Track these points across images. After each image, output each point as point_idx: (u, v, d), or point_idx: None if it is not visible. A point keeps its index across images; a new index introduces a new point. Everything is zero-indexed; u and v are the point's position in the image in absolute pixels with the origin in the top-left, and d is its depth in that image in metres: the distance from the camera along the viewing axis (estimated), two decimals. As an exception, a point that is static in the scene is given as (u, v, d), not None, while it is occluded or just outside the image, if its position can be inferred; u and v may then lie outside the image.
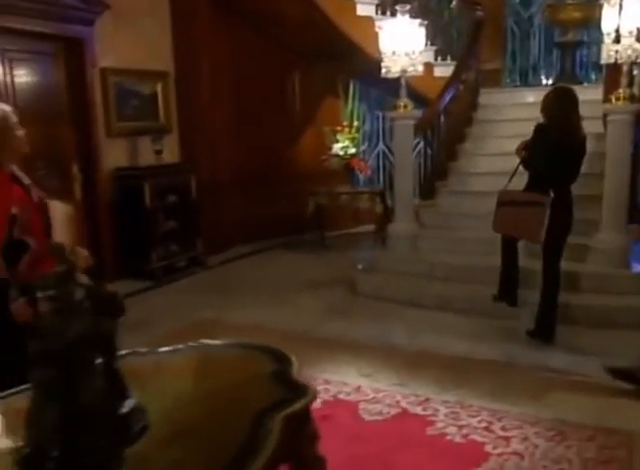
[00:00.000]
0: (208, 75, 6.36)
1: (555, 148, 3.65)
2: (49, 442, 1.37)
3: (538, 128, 3.79)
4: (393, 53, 4.91)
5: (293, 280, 5.47)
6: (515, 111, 5.96)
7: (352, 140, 6.20)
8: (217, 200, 6.40)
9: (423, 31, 4.93)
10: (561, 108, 3.72)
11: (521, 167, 3.93)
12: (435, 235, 5.14)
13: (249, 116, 6.75)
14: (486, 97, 6.46)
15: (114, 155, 5.54)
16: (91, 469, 1.37)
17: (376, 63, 6.21)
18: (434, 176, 5.55)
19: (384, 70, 4.96)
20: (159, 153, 5.71)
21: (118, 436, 1.43)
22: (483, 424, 2.90)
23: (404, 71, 4.92)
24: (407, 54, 4.89)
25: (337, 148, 6.20)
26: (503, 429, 2.85)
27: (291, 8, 6.06)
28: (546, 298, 3.83)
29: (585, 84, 6.86)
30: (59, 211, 3.31)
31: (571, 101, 3.74)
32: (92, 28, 5.22)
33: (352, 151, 6.19)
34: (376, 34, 6.25)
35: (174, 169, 5.85)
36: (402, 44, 4.88)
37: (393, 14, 6.40)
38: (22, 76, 4.87)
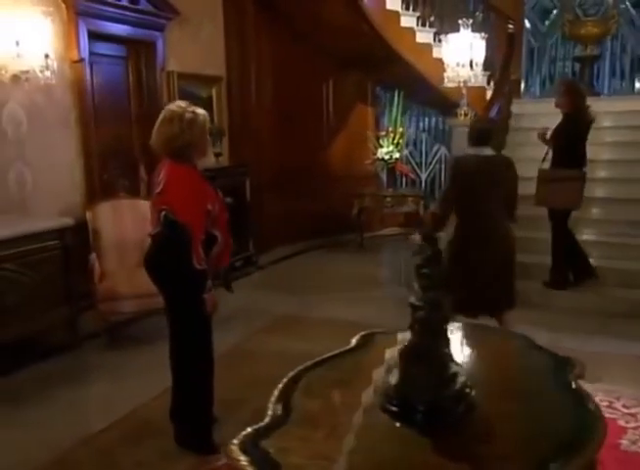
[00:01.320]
0: (255, 80, 6.55)
1: (583, 132, 4.60)
2: (417, 398, 1.59)
3: (569, 118, 4.60)
4: (457, 64, 5.24)
5: (353, 278, 5.70)
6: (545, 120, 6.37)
7: (396, 145, 6.48)
8: (262, 201, 6.58)
9: (484, 44, 5.26)
10: (583, 100, 4.63)
11: None
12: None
13: (288, 119, 6.95)
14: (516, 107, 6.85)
15: (176, 156, 5.66)
16: (452, 424, 1.60)
17: (415, 71, 6.59)
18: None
19: (445, 80, 5.27)
20: (218, 155, 5.86)
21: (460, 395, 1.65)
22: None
23: (465, 82, 5.24)
24: (468, 65, 5.23)
25: (381, 152, 6.47)
26: None
27: (338, 16, 6.31)
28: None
29: (602, 96, 7.37)
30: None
31: (584, 94, 4.76)
32: (162, 33, 5.36)
33: (397, 155, 6.47)
34: (417, 44, 6.63)
35: (232, 172, 6.00)
36: (465, 56, 5.20)
37: (432, 25, 6.81)
38: (100, 78, 4.96)
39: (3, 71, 4.01)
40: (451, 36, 5.24)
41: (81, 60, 4.58)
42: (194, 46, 5.77)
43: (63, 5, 4.42)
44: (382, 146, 6.55)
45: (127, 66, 5.28)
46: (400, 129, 6.64)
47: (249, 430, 1.73)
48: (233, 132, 6.40)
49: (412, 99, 7.23)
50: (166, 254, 2.80)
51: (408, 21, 6.59)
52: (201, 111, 2.82)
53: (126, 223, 4.57)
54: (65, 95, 4.55)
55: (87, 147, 4.76)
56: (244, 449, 1.61)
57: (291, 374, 2.03)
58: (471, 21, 5.22)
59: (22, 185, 4.30)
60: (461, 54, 5.18)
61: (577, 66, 7.67)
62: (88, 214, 4.43)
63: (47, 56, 4.10)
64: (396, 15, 6.51)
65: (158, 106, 5.41)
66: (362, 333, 2.42)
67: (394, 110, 6.78)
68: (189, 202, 2.73)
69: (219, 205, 2.82)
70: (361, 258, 6.54)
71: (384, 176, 7.11)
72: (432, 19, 6.81)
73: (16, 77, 4.10)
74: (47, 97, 4.41)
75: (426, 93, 6.69)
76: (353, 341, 2.35)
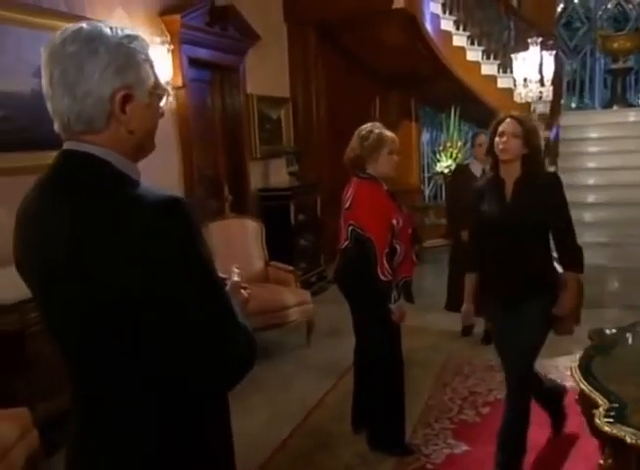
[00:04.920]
0: (315, 101, 6.75)
1: None
2: None
3: None
4: (525, 80, 5.51)
5: (431, 287, 5.88)
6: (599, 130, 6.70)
7: (455, 159, 6.73)
8: (324, 216, 6.74)
9: (552, 61, 5.55)
10: None
11: None
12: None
13: (340, 137, 7.14)
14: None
15: (254, 176, 5.82)
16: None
17: (465, 88, 6.86)
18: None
19: (516, 96, 5.54)
20: (292, 174, 6.03)
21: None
22: None
23: (533, 98, 5.51)
24: (537, 81, 5.50)
25: (440, 166, 6.71)
26: None
27: (395, 38, 6.56)
28: None
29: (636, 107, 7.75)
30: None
31: None
32: (244, 58, 5.54)
33: (455, 169, 6.71)
34: (467, 62, 6.92)
35: (304, 189, 6.16)
36: (534, 73, 5.48)
37: (480, 43, 7.10)
38: (191, 102, 5.10)
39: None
40: (521, 55, 5.50)
41: (183, 86, 4.73)
42: (265, 70, 5.96)
43: (168, 34, 4.57)
44: (439, 160, 6.79)
45: (212, 90, 5.43)
46: (459, 143, 6.89)
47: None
48: (300, 152, 6.57)
49: (466, 116, 7.51)
50: (354, 266, 2.96)
51: (459, 40, 6.88)
52: (377, 130, 2.99)
53: (235, 242, 4.70)
54: (169, 120, 4.69)
55: (188, 169, 4.90)
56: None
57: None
58: (540, 38, 5.49)
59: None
60: (530, 71, 5.45)
61: (610, 78, 8.04)
62: (200, 235, 4.54)
63: (168, 83, 4.25)
64: (449, 35, 6.80)
65: (240, 127, 5.61)
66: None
67: (451, 125, 7.03)
68: (374, 217, 2.90)
69: (403, 219, 2.97)
70: (419, 269, 6.71)
71: (426, 191, 7.33)
72: (468, 29, 7.12)
73: (134, 104, 4.23)
74: (157, 122, 4.54)
75: (478, 110, 6.95)
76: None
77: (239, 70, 5.50)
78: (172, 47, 4.34)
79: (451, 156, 6.73)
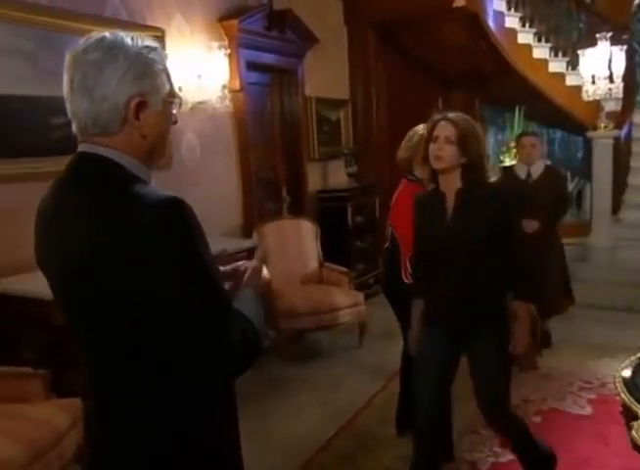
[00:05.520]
0: (375, 102, 6.73)
1: None
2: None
3: None
4: (593, 77, 5.28)
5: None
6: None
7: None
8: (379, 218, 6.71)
9: (623, 56, 5.29)
10: None
11: None
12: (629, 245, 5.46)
13: (401, 138, 7.07)
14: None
15: (312, 177, 5.86)
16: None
17: (531, 86, 6.64)
18: (617, 192, 5.88)
19: (584, 94, 5.32)
20: (351, 176, 6.03)
21: None
22: None
23: (601, 95, 5.27)
24: (606, 78, 5.26)
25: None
26: None
27: (457, 37, 6.45)
28: None
29: None
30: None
31: None
32: (303, 60, 5.60)
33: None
34: (533, 60, 6.70)
35: (362, 191, 6.15)
36: (603, 69, 5.24)
37: (548, 40, 6.87)
38: (250, 105, 5.19)
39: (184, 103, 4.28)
40: (588, 51, 5.28)
41: (241, 89, 4.82)
42: (324, 72, 5.99)
43: (226, 38, 4.68)
44: (502, 161, 6.61)
45: (271, 93, 5.52)
46: (522, 144, 6.66)
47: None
48: (359, 153, 6.57)
49: (532, 115, 7.29)
50: (386, 267, 2.95)
51: (525, 37, 6.68)
52: (422, 131, 2.95)
53: (290, 243, 4.76)
54: (228, 123, 4.80)
55: (245, 171, 4.99)
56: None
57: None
58: (610, 33, 5.25)
59: (196, 208, 4.50)
60: (599, 68, 5.22)
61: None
62: (255, 235, 4.63)
63: (224, 87, 4.35)
64: (513, 32, 6.61)
65: (298, 129, 5.66)
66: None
67: (515, 125, 6.84)
68: (403, 219, 2.85)
69: None
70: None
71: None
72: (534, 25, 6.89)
73: (193, 108, 4.36)
74: (215, 125, 4.66)
75: (545, 109, 6.73)
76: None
77: (297, 72, 5.56)
78: (229, 51, 4.43)
79: (519, 157, 6.52)
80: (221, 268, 1.40)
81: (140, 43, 1.17)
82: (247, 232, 4.85)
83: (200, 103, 4.33)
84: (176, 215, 1.07)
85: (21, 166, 2.99)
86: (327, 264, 4.85)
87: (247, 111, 4.97)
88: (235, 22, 4.62)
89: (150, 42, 1.20)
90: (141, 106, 1.14)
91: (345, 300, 4.41)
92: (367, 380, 3.94)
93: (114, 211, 1.08)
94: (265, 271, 1.25)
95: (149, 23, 4.03)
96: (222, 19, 4.63)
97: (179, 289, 1.06)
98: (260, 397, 3.75)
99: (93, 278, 1.09)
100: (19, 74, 3.19)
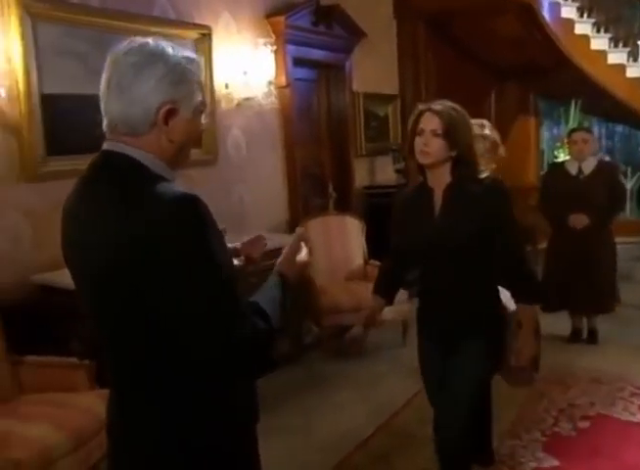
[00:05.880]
0: (425, 96, 6.63)
1: None
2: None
3: None
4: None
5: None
6: None
7: (574, 155, 6.30)
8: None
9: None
10: None
11: None
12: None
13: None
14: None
15: (359, 173, 5.83)
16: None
17: (591, 81, 6.39)
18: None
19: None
20: (399, 172, 5.96)
21: None
22: None
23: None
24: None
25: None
26: None
27: (511, 29, 6.28)
28: None
29: None
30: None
31: None
32: (350, 55, 5.56)
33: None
34: (591, 51, 6.45)
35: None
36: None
37: (607, 31, 6.60)
38: (296, 101, 5.20)
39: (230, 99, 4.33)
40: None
41: (288, 85, 4.84)
42: (373, 66, 5.94)
43: (273, 35, 4.70)
44: (556, 157, 6.41)
45: (318, 88, 5.52)
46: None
47: None
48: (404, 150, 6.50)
49: (590, 109, 7.04)
50: None
51: (583, 27, 6.44)
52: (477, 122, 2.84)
53: (335, 239, 4.75)
54: (274, 119, 4.82)
55: (291, 167, 5.01)
56: None
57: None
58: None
59: (241, 204, 4.58)
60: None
61: None
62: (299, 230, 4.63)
63: (270, 83, 4.38)
64: (570, 22, 6.39)
65: (345, 125, 5.63)
66: None
67: (571, 119, 6.62)
68: None
69: None
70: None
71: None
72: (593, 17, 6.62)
73: (239, 104, 4.40)
74: (261, 122, 4.69)
75: (604, 102, 6.49)
76: None
77: (345, 67, 5.53)
78: (275, 48, 4.44)
79: (569, 152, 6.30)
80: (237, 244, 1.47)
81: (180, 53, 1.20)
82: (292, 228, 4.87)
83: (246, 99, 4.38)
84: (190, 212, 1.09)
85: (70, 163, 3.08)
86: (372, 261, 4.82)
87: (293, 107, 4.98)
88: (282, 18, 4.63)
89: (189, 53, 1.23)
90: (171, 113, 1.17)
91: (388, 297, 4.36)
92: (408, 379, 3.87)
93: (131, 207, 1.10)
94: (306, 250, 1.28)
95: (196, 21, 4.08)
96: (269, 15, 4.65)
97: (186, 285, 1.07)
98: (302, 392, 3.78)
99: (111, 275, 1.11)
100: (70, 74, 3.29)
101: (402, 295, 4.55)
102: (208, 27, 4.13)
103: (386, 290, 2.41)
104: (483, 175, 2.12)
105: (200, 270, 1.08)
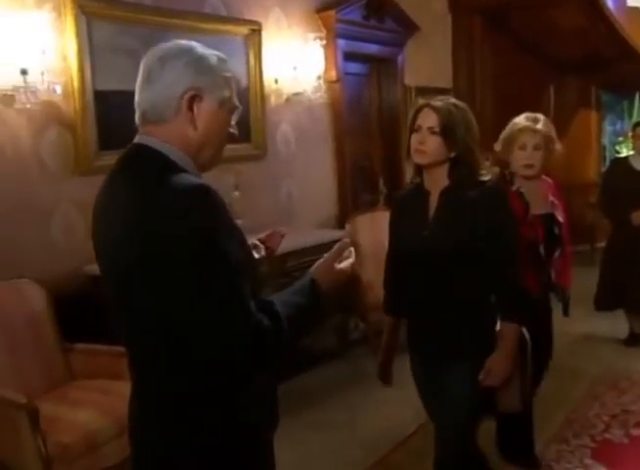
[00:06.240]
0: (480, 90, 6.49)
1: None
2: None
3: None
4: None
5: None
6: None
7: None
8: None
9: None
10: None
11: None
12: None
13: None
14: None
15: (410, 170, 5.75)
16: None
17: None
18: None
19: None
20: (451, 167, 5.86)
21: None
22: None
23: None
24: None
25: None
26: None
27: (574, 21, 6.05)
28: None
29: None
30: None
31: None
32: (403, 49, 5.50)
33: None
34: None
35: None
36: None
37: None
38: (347, 96, 5.18)
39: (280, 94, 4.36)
40: None
41: (338, 80, 4.82)
42: (425, 60, 5.85)
43: (324, 29, 4.69)
44: (618, 152, 6.15)
45: (369, 83, 5.48)
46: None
47: None
48: (459, 144, 6.39)
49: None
50: None
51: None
52: (518, 120, 2.74)
53: (383, 234, 4.69)
54: (324, 114, 4.82)
55: (340, 162, 5.00)
56: None
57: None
58: None
59: (290, 199, 4.60)
60: None
61: None
62: (348, 226, 4.62)
63: (319, 78, 4.38)
64: (637, 11, 6.12)
65: (397, 119, 5.57)
66: None
67: (635, 113, 6.34)
68: None
69: (524, 225, 2.52)
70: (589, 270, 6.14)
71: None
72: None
73: (288, 99, 4.42)
74: (310, 117, 4.70)
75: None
76: None
77: (396, 61, 5.47)
78: (325, 42, 4.43)
79: (633, 147, 6.04)
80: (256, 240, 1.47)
81: (209, 51, 1.24)
82: (341, 223, 4.86)
83: (295, 94, 4.39)
84: (200, 202, 1.09)
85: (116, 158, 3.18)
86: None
87: (343, 101, 4.96)
88: (332, 12, 4.62)
89: (221, 54, 1.26)
90: (195, 99, 1.19)
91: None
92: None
93: (148, 202, 1.11)
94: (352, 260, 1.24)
95: (246, 17, 4.12)
96: (320, 10, 4.64)
97: (194, 279, 1.08)
98: (347, 388, 3.76)
99: (130, 271, 1.13)
100: (122, 71, 3.37)
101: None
102: (259, 23, 4.16)
103: (398, 306, 2.16)
104: (485, 178, 1.93)
105: (208, 265, 1.08)
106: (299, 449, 3.01)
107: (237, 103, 1.27)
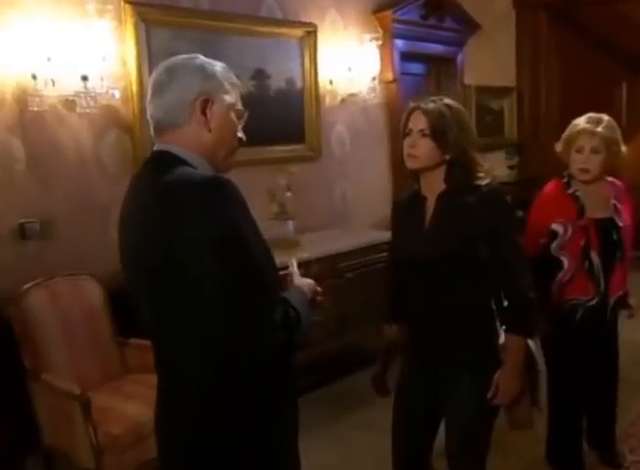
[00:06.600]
0: (545, 89, 6.29)
1: None
2: None
3: None
4: None
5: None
6: None
7: None
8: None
9: None
10: None
11: None
12: None
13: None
14: None
15: (469, 170, 5.65)
16: None
17: None
18: None
19: None
20: (512, 168, 5.72)
21: None
22: None
23: None
24: None
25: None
26: None
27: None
28: None
29: None
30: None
31: None
32: (463, 48, 5.40)
33: None
34: None
35: (524, 184, 5.79)
36: None
37: None
38: (403, 96, 5.13)
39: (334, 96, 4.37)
40: None
41: (394, 80, 4.79)
42: (487, 58, 5.72)
43: (380, 30, 4.67)
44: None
45: (427, 83, 5.41)
46: None
47: None
48: (522, 144, 6.21)
49: None
50: None
51: None
52: (578, 121, 2.62)
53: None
54: (379, 115, 4.80)
55: (396, 163, 4.95)
56: None
57: None
58: None
59: (344, 200, 4.62)
60: None
61: None
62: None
63: (374, 78, 4.36)
64: None
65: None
66: None
67: None
68: (529, 218, 2.68)
69: (577, 230, 2.51)
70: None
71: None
72: None
73: (343, 100, 4.43)
74: (365, 117, 4.69)
75: None
76: None
77: (456, 61, 5.39)
78: (381, 43, 4.41)
79: None
80: None
81: (215, 62, 1.32)
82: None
83: (350, 95, 4.39)
84: (217, 193, 1.13)
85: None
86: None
87: (400, 102, 4.91)
88: (389, 12, 4.60)
89: (221, 63, 1.34)
90: (207, 103, 1.25)
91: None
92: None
93: (159, 196, 1.17)
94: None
95: (302, 19, 4.16)
96: (376, 10, 4.63)
97: (219, 271, 1.11)
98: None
99: (154, 269, 1.18)
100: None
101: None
102: (314, 25, 4.19)
103: (398, 313, 2.10)
104: (483, 182, 1.84)
105: (231, 256, 1.11)
106: (346, 449, 3.04)
107: (242, 108, 1.33)
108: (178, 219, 1.12)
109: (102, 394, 2.71)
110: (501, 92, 5.97)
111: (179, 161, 1.22)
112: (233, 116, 1.30)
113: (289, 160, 4.03)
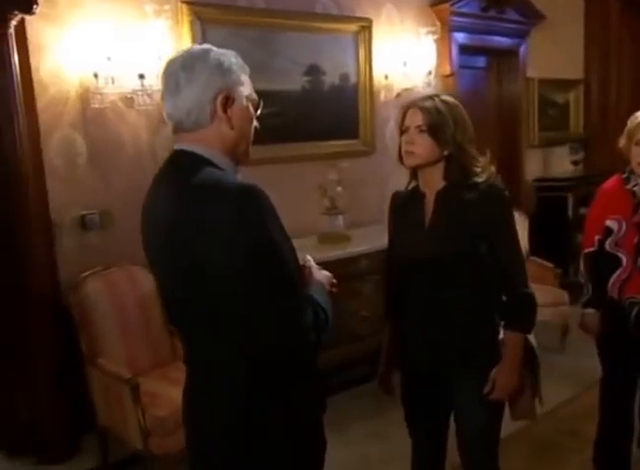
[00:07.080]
0: (616, 81, 6.03)
1: None
2: None
3: None
4: None
5: None
6: None
7: None
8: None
9: None
10: None
11: None
12: None
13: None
14: None
15: (530, 165, 5.51)
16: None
17: None
18: None
19: None
20: (576, 164, 5.53)
21: None
22: None
23: None
24: None
25: None
26: None
27: None
28: None
29: None
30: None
31: None
32: (526, 40, 5.25)
33: None
34: None
35: (588, 181, 5.58)
36: None
37: None
38: (462, 89, 5.04)
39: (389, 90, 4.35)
40: None
41: (452, 74, 4.72)
42: (552, 50, 5.53)
43: (438, 23, 4.60)
44: None
45: (487, 76, 5.30)
46: None
47: None
48: (589, 139, 5.98)
49: None
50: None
51: None
52: None
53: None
54: (436, 109, 4.73)
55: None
56: None
57: None
58: None
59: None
60: None
61: None
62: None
63: (430, 73, 4.32)
64: None
65: (517, 114, 5.35)
66: None
67: None
68: (588, 213, 2.62)
69: (631, 226, 2.41)
70: None
71: None
72: None
73: (398, 95, 4.40)
74: (421, 112, 4.64)
75: None
76: None
77: (518, 53, 5.24)
78: (437, 36, 4.35)
79: None
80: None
81: (226, 51, 1.30)
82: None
83: (405, 90, 4.35)
84: (248, 202, 1.14)
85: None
86: (532, 258, 4.55)
87: (457, 95, 4.82)
88: (447, 5, 4.52)
89: (231, 52, 1.32)
90: (228, 100, 1.25)
91: (545, 297, 4.08)
92: (558, 385, 3.61)
93: (190, 198, 1.17)
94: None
95: (357, 14, 4.16)
96: (434, 3, 4.57)
97: (252, 276, 1.13)
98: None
99: (170, 263, 1.22)
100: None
101: (564, 295, 4.30)
102: (369, 20, 4.18)
103: (393, 313, 2.09)
104: (480, 179, 1.82)
105: (263, 261, 1.13)
106: (385, 444, 3.05)
107: (255, 96, 1.32)
108: (214, 226, 1.12)
109: (151, 379, 2.84)
110: (567, 85, 5.77)
111: (204, 161, 1.23)
112: (251, 107, 1.30)
113: (342, 155, 4.05)
